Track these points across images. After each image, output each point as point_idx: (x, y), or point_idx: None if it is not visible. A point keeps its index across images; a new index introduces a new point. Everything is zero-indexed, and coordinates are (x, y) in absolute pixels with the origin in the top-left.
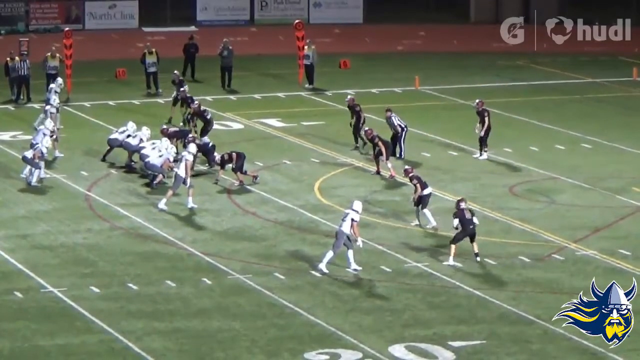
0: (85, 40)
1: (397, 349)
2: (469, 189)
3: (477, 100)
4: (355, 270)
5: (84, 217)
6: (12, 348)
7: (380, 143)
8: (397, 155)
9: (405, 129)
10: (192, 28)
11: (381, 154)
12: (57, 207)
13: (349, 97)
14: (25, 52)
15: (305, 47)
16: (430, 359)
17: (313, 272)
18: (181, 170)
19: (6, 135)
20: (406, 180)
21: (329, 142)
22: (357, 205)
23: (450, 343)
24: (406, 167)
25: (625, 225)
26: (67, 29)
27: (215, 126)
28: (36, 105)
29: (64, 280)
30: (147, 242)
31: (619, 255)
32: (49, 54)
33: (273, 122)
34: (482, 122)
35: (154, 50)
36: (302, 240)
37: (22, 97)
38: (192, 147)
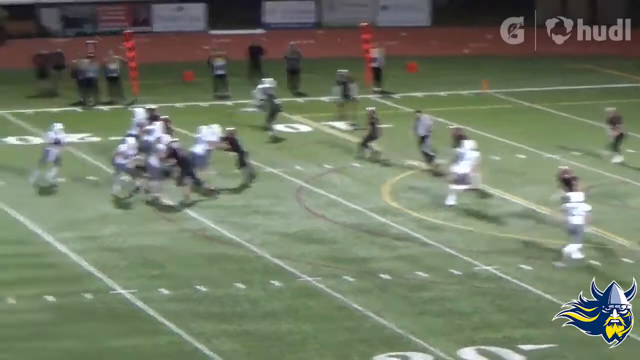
0: (152, 42)
1: (467, 352)
2: (540, 192)
3: (610, 109)
4: (577, 258)
5: (151, 219)
6: (82, 349)
7: (374, 128)
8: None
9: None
10: (259, 31)
11: (373, 138)
12: (125, 209)
13: None
14: (93, 55)
15: (373, 49)
16: None
17: (382, 275)
18: (462, 168)
19: (74, 137)
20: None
21: (397, 144)
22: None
23: (520, 346)
24: (564, 167)
25: None
26: (127, 31)
27: (283, 129)
28: (104, 108)
29: (133, 281)
30: (215, 244)
31: None
32: (107, 58)
33: (341, 124)
34: (616, 128)
35: (222, 52)
36: (372, 243)
37: (90, 99)
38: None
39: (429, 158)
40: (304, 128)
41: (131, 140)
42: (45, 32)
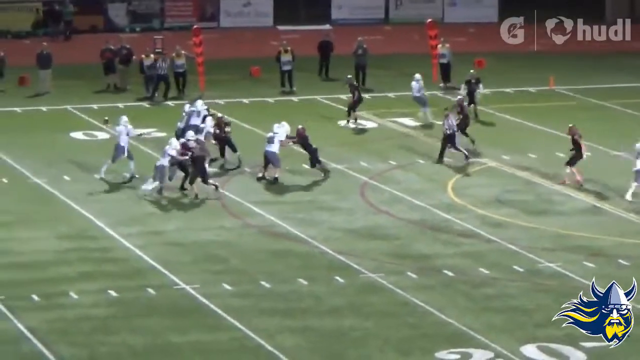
0: (219, 38)
1: (529, 349)
2: (604, 189)
3: None
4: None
5: (216, 215)
6: (145, 344)
7: (464, 115)
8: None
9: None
10: (327, 26)
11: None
12: (189, 204)
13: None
14: (160, 50)
15: (439, 45)
16: (562, 359)
17: (445, 271)
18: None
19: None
20: (530, 176)
21: (462, 141)
22: None
23: (582, 344)
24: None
25: None
26: (195, 26)
27: (350, 125)
28: (170, 103)
29: (196, 277)
30: (279, 240)
31: None
32: (174, 53)
33: (407, 121)
34: None
35: (289, 48)
36: (435, 239)
37: (157, 94)
38: None
39: (465, 155)
40: (370, 124)
41: (174, 142)
42: (113, 27)
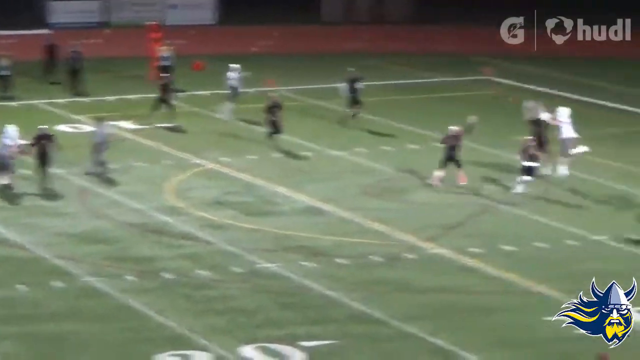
0: None
1: (248, 350)
2: (326, 189)
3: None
4: None
5: None
6: None
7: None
8: None
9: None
10: (46, 31)
11: None
12: None
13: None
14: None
15: (162, 47)
16: (281, 359)
17: (165, 274)
18: None
19: None
20: (260, 180)
21: (182, 143)
22: None
23: (302, 343)
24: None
25: (475, 223)
26: None
27: (65, 128)
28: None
29: None
30: None
31: (470, 253)
32: None
33: (125, 124)
34: None
35: (7, 53)
36: (156, 242)
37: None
38: None
39: (101, 167)
40: (87, 128)
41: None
42: None
